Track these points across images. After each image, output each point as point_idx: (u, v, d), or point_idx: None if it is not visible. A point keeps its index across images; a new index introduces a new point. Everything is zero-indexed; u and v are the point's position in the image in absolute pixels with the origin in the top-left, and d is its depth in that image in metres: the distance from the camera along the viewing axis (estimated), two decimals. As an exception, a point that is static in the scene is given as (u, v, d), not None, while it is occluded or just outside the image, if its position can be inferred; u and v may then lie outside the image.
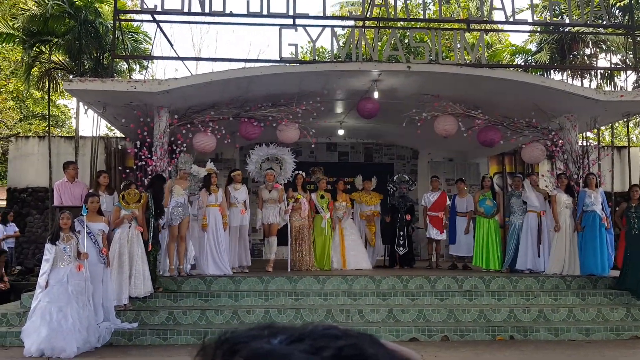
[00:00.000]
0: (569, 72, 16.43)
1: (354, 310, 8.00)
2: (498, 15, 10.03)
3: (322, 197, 10.46)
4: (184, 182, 9.07)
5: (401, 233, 10.64)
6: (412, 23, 11.06)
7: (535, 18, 10.30)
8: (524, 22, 10.95)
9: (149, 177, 8.91)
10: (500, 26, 13.95)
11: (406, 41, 14.98)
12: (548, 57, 16.30)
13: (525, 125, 10.03)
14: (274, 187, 9.84)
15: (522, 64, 17.55)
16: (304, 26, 9.71)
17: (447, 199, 11.00)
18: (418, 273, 9.41)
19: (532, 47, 17.81)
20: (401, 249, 10.63)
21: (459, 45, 9.74)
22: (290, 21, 9.72)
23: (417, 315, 7.99)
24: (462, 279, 8.94)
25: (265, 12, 9.50)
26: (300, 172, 10.39)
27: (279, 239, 10.05)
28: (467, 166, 14.67)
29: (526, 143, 10.29)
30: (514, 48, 17.55)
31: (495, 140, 10.06)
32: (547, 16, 12.19)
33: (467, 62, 9.83)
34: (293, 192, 10.13)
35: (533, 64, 16.96)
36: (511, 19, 10.28)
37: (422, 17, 11.68)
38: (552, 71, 17.04)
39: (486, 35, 16.30)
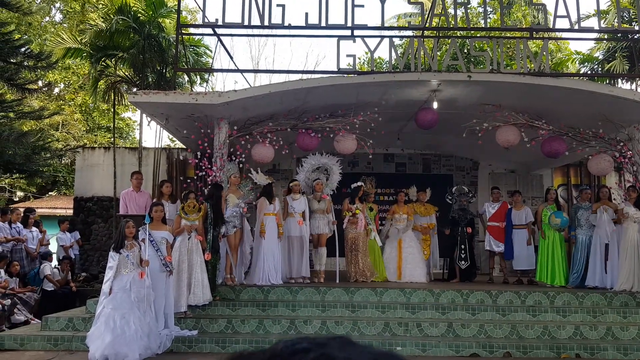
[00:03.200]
0: (639, 80, 15.78)
1: (412, 324, 7.86)
2: (563, 23, 9.70)
3: (371, 209, 10.43)
4: (238, 192, 9.17)
5: (462, 246, 10.42)
6: (473, 32, 10.87)
7: (603, 25, 9.91)
8: (590, 30, 10.59)
9: (209, 187, 9.06)
10: (564, 34, 13.54)
11: (466, 50, 14.75)
12: (627, 67, 15.66)
13: (592, 135, 9.66)
14: (322, 198, 9.83)
15: (589, 72, 16.99)
16: (362, 37, 9.69)
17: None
18: (479, 287, 9.18)
19: (599, 55, 17.22)
20: (463, 262, 10.40)
21: (521, 54, 9.50)
22: (348, 32, 9.72)
23: (477, 330, 7.78)
24: (526, 294, 8.66)
25: (323, 24, 9.54)
26: (361, 183, 10.36)
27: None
28: (529, 178, 14.27)
29: (593, 154, 9.92)
30: (581, 56, 17.00)
31: (560, 151, 9.74)
32: (615, 23, 11.76)
33: (530, 70, 9.57)
34: (350, 205, 10.07)
35: (599, 72, 16.41)
36: (576, 27, 9.97)
37: (482, 26, 11.47)
38: (620, 80, 16.42)
39: (549, 43, 15.84)
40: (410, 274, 10.23)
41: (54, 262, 12.04)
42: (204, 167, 9.46)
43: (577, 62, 17.69)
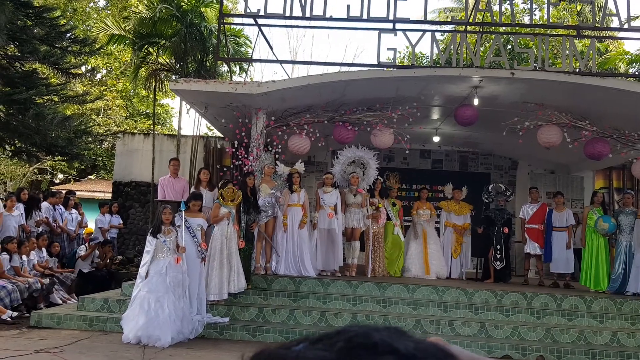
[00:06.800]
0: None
1: (444, 322, 7.80)
2: (611, 22, 9.44)
3: (394, 204, 10.42)
4: (272, 182, 9.18)
5: (498, 247, 10.25)
6: (517, 29, 10.66)
7: (654, 24, 9.62)
8: (640, 29, 10.27)
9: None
10: (613, 33, 13.18)
11: (510, 47, 14.48)
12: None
13: (638, 138, 9.41)
14: (357, 192, 9.77)
15: (636, 73, 16.51)
16: (403, 30, 9.60)
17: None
18: (514, 289, 9.03)
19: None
20: (498, 263, 10.22)
21: (567, 52, 9.28)
22: (389, 25, 9.64)
23: (511, 332, 7.67)
24: (562, 298, 8.49)
25: (365, 17, 9.49)
26: (380, 178, 10.31)
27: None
28: (570, 179, 13.95)
29: (637, 157, 9.65)
30: (630, 57, 16.51)
31: (603, 153, 9.50)
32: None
33: (576, 69, 9.35)
34: (372, 199, 10.03)
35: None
36: (626, 26, 9.70)
37: (527, 23, 11.25)
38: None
39: (599, 42, 15.42)
40: (436, 270, 10.34)
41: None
42: (240, 157, 9.52)
43: (622, 63, 17.16)
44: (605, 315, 8.16)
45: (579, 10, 18.73)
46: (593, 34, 10.77)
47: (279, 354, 0.67)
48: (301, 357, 0.65)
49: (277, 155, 9.81)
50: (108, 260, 11.40)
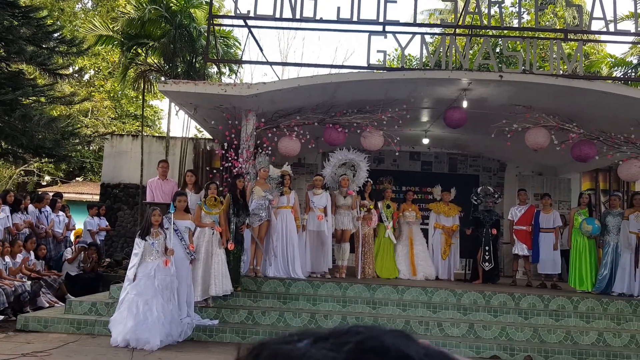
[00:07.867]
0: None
1: (433, 323, 7.83)
2: (597, 25, 9.53)
3: (388, 206, 10.47)
4: (265, 184, 9.16)
5: (487, 248, 10.30)
6: (506, 32, 10.72)
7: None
8: (626, 33, 10.36)
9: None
10: (599, 36, 13.29)
11: (498, 50, 14.58)
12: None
13: (624, 140, 9.50)
14: (347, 194, 9.78)
15: (622, 76, 16.66)
16: (393, 33, 9.62)
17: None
18: (501, 289, 9.09)
19: (633, 59, 16.87)
20: (487, 264, 10.28)
21: (554, 56, 9.35)
22: (379, 28, 9.66)
23: (499, 332, 7.72)
24: (549, 298, 8.55)
25: (355, 19, 9.49)
26: (370, 180, 10.34)
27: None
28: (557, 181, 14.06)
29: (623, 160, 9.74)
30: (614, 60, 16.68)
31: (590, 156, 9.58)
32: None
33: (563, 72, 9.43)
34: (363, 201, 10.07)
35: (633, 76, 16.07)
36: (612, 29, 9.78)
37: (516, 26, 11.33)
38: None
39: (584, 45, 15.58)
40: (422, 270, 10.38)
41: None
42: (230, 158, 9.50)
43: (606, 66, 17.32)
44: (591, 316, 8.24)
45: (560, 15, 18.85)
46: (578, 37, 10.87)
47: (283, 350, 0.66)
48: (308, 356, 0.65)
49: (267, 157, 9.80)
50: (94, 263, 11.30)
